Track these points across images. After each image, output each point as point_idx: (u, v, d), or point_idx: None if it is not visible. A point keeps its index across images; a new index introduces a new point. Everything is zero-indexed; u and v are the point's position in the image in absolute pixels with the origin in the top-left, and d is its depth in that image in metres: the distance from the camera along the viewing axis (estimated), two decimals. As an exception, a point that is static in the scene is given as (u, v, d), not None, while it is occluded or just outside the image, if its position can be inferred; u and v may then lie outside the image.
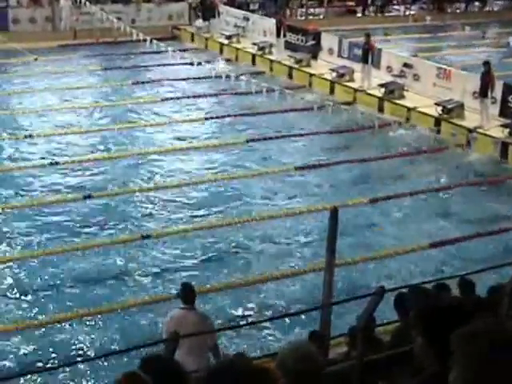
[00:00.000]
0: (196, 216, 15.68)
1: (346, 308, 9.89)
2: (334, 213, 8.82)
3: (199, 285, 12.68)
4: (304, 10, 37.47)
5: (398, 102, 23.10)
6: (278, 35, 28.28)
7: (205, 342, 8.73)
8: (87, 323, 11.71)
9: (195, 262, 13.81)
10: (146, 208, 15.97)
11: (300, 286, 13.03)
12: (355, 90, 24.36)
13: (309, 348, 4.25)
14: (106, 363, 10.35)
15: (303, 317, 11.42)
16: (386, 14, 39.57)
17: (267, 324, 11.52)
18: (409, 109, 22.47)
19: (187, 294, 9.04)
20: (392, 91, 23.47)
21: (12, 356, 10.83)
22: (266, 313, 12.10)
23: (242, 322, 11.71)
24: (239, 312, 12.24)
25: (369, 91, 23.99)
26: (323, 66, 26.58)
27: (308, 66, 27.06)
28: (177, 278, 12.91)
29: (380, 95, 23.49)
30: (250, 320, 11.89)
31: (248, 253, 14.22)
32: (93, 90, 25.17)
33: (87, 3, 30.64)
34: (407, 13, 39.86)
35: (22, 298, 12.37)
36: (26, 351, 10.96)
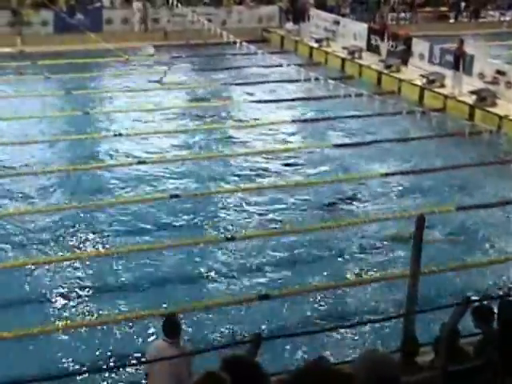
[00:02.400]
0: (283, 219, 15.84)
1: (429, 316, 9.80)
2: (421, 221, 8.73)
3: (281, 287, 12.86)
4: (395, 14, 37.14)
5: (489, 109, 22.70)
6: (382, 39, 28.36)
7: (180, 378, 8.30)
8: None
9: (282, 264, 13.92)
10: (233, 209, 16.18)
11: (380, 292, 13.00)
12: (445, 97, 24.05)
13: (387, 355, 4.23)
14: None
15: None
16: (480, 20, 38.87)
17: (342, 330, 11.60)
18: (501, 117, 22.05)
19: (171, 327, 8.51)
20: (484, 98, 23.07)
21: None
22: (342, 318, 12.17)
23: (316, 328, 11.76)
24: (319, 316, 12.27)
25: (459, 98, 23.65)
26: (413, 72, 26.36)
27: (398, 71, 26.86)
28: (260, 280, 13.06)
29: (471, 102, 23.14)
30: (329, 325, 11.91)
31: (332, 256, 14.24)
32: (182, 90, 25.56)
33: (179, 5, 31.09)
34: (502, 19, 39.07)
35: (115, 292, 12.72)
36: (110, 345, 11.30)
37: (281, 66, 26.95)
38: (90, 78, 26.53)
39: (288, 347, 10.92)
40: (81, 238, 14.51)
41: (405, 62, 27.35)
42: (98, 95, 24.50)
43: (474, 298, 10.89)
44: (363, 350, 4.72)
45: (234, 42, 28.11)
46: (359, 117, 22.78)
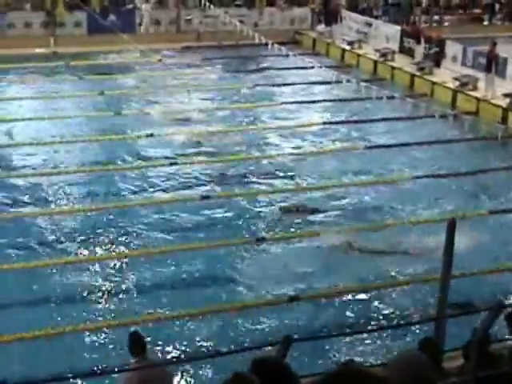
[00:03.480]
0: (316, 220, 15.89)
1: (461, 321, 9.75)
2: (452, 225, 8.69)
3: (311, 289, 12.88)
4: (428, 16, 36.91)
5: (522, 112, 22.54)
6: (418, 42, 28.28)
7: None
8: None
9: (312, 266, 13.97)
10: (265, 210, 16.24)
11: (411, 296, 12.98)
12: (478, 100, 23.88)
13: (420, 357, 4.21)
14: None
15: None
16: (514, 23, 38.50)
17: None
18: (534, 120, 21.90)
19: (133, 344, 8.23)
20: (517, 101, 22.90)
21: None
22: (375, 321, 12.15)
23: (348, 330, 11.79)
24: (348, 318, 12.30)
25: (492, 101, 23.48)
26: (446, 75, 26.21)
27: (430, 74, 26.71)
28: (290, 282, 13.11)
29: (504, 105, 22.95)
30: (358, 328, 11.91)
31: (362, 260, 14.25)
32: (213, 91, 25.58)
33: (211, 6, 31.18)
34: (536, 21, 38.67)
35: (144, 292, 12.80)
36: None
37: (312, 67, 26.91)
38: (123, 78, 26.66)
39: (318, 349, 10.94)
40: (113, 238, 14.63)
41: (437, 65, 27.22)
42: (130, 96, 24.66)
43: (506, 303, 10.82)
44: (397, 352, 4.72)
45: (266, 44, 28.13)
46: (391, 119, 22.70)
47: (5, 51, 27.61)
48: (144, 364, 8.23)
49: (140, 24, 32.12)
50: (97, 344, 11.36)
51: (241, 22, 30.93)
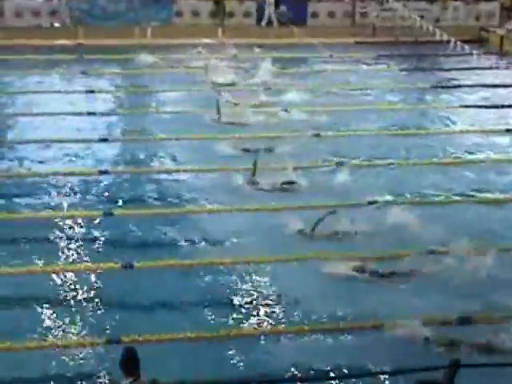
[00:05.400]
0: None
1: None
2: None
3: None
4: None
5: None
6: None
7: None
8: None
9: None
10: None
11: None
12: None
13: None
14: None
15: None
16: None
17: None
18: None
19: (126, 363, 7.85)
20: None
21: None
22: None
23: None
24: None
25: None
26: None
27: None
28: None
29: None
30: None
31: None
32: (388, 91, 24.52)
33: (390, -1, 30.41)
34: None
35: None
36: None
37: (497, 68, 25.50)
38: (292, 73, 25.98)
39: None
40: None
41: None
42: (299, 92, 23.86)
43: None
44: None
45: (448, 42, 26.92)
46: None
47: (171, 41, 27.83)
48: None
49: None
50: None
51: (421, 16, 29.78)
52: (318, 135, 19.53)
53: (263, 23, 30.94)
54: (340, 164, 17.53)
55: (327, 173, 17.13)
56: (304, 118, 20.85)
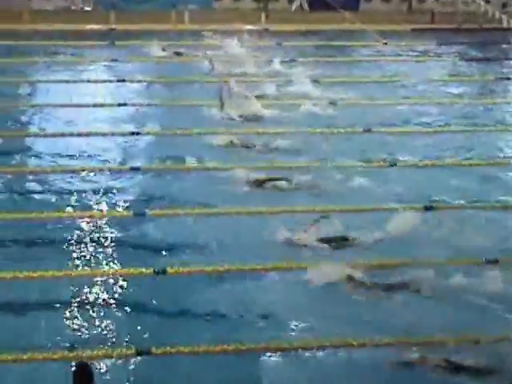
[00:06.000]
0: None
1: None
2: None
3: None
4: None
5: None
6: None
7: None
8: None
9: None
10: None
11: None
12: None
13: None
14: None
15: None
16: None
17: None
18: None
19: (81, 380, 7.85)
20: None
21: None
22: None
23: None
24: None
25: None
26: None
27: None
28: None
29: None
30: None
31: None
32: (449, 82, 24.50)
33: (452, -18, 30.28)
34: None
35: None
36: None
37: None
38: (341, 63, 26.03)
39: None
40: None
41: None
42: (349, 84, 23.78)
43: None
44: None
45: (515, 28, 26.90)
46: None
47: (212, 26, 27.85)
48: None
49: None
50: None
51: (486, 1, 29.72)
52: (368, 130, 19.44)
53: (293, 8, 31.04)
54: (393, 164, 17.48)
55: (379, 173, 17.04)
56: (354, 112, 20.88)
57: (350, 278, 12.37)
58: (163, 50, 25.84)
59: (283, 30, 28.31)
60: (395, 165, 17.43)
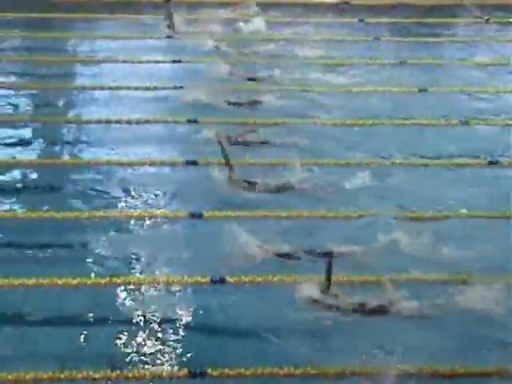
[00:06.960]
0: None
1: None
2: None
3: None
4: None
5: None
6: None
7: None
8: None
9: None
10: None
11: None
12: None
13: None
14: None
15: None
16: None
17: None
18: None
19: None
20: None
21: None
22: None
23: None
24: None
25: None
26: None
27: None
28: None
29: None
30: None
31: None
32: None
33: None
34: None
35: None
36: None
37: None
38: (432, 44, 26.17)
39: None
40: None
41: None
42: (439, 67, 24.00)
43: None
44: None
45: None
46: None
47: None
48: None
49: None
50: None
51: None
52: (467, 123, 19.43)
53: None
54: (494, 162, 17.42)
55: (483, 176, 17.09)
56: (448, 100, 20.97)
57: None
58: None
59: (365, 3, 28.47)
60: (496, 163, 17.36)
